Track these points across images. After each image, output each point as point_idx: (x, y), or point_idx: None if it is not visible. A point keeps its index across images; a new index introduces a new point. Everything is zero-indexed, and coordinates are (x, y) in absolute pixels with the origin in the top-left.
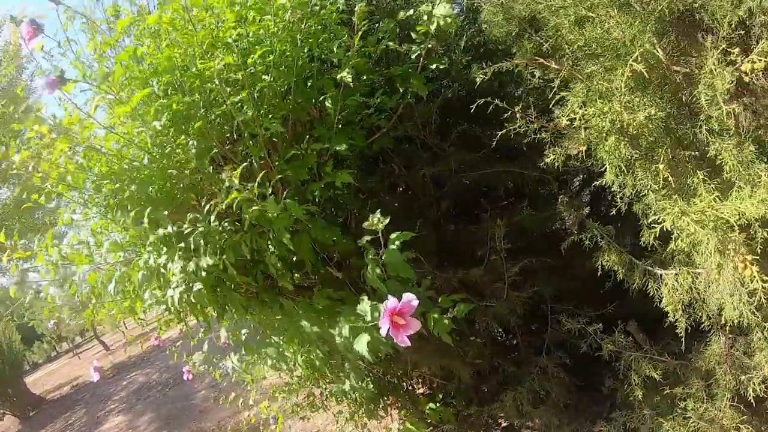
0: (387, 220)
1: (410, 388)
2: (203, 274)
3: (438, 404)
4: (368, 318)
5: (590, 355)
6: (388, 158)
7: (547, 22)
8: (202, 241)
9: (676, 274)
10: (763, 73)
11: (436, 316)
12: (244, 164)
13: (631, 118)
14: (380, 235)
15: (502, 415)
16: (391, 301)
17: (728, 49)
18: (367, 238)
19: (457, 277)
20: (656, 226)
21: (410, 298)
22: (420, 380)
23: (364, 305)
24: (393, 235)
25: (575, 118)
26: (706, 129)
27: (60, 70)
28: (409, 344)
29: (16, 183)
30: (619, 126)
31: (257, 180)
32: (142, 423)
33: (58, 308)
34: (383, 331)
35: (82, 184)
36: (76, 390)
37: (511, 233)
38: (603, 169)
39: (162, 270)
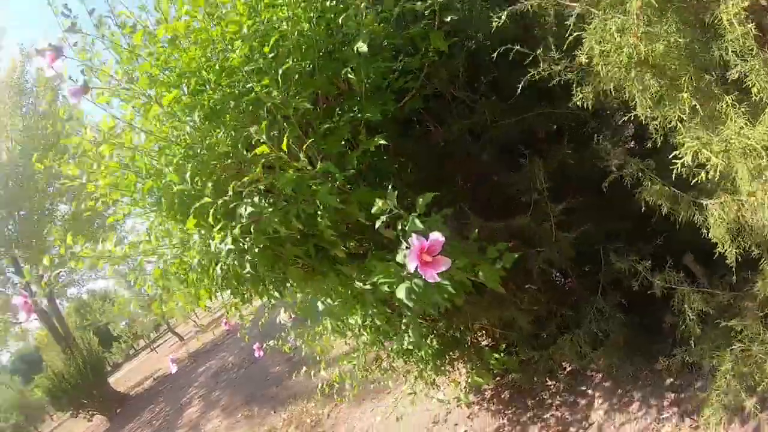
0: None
1: (474, 341)
2: (256, 249)
3: (501, 354)
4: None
5: (647, 293)
6: (422, 118)
7: None
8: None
9: (721, 203)
10: None
11: (486, 267)
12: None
13: (649, 49)
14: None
15: (566, 358)
16: (417, 240)
17: None
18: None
19: (503, 225)
20: (678, 160)
21: (437, 237)
22: (483, 332)
23: (401, 255)
24: (420, 201)
25: (594, 56)
26: (731, 50)
27: (84, 80)
28: (439, 280)
29: (73, 198)
30: (637, 59)
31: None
32: (222, 403)
33: (127, 306)
34: (411, 268)
35: (132, 186)
36: (158, 382)
37: (552, 176)
38: (634, 103)
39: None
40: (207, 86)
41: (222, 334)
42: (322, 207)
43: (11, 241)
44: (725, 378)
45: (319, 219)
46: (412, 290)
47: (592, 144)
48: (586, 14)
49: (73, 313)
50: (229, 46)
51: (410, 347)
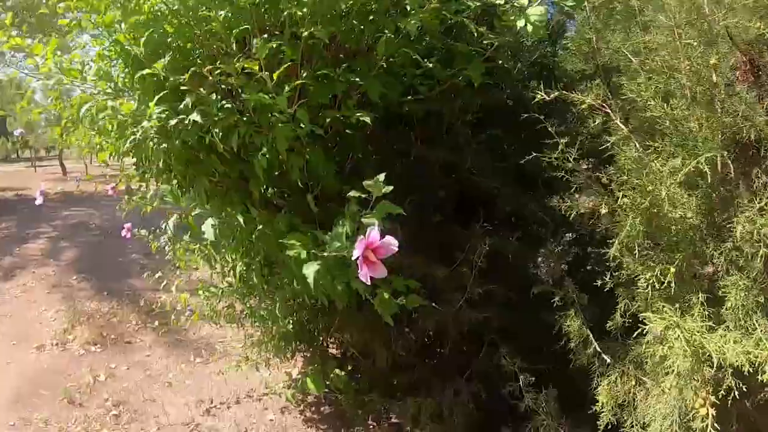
0: (389, 189)
1: (326, 344)
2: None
3: (344, 373)
4: (329, 247)
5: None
6: (411, 128)
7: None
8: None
9: (623, 370)
10: None
11: (386, 294)
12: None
13: (668, 210)
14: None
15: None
16: (374, 232)
17: None
18: (355, 194)
19: (421, 267)
20: (644, 326)
21: (391, 242)
22: (338, 342)
23: (339, 230)
24: (382, 203)
25: (614, 180)
26: (726, 259)
27: None
28: (369, 284)
29: None
30: (651, 210)
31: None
32: (64, 257)
33: (29, 113)
34: (354, 254)
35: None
36: (19, 200)
37: (490, 253)
38: (609, 241)
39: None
40: None
41: (103, 192)
42: (269, 142)
43: None
44: None
45: (259, 154)
46: (321, 274)
47: (542, 246)
48: (625, 141)
49: None
50: None
51: (266, 315)
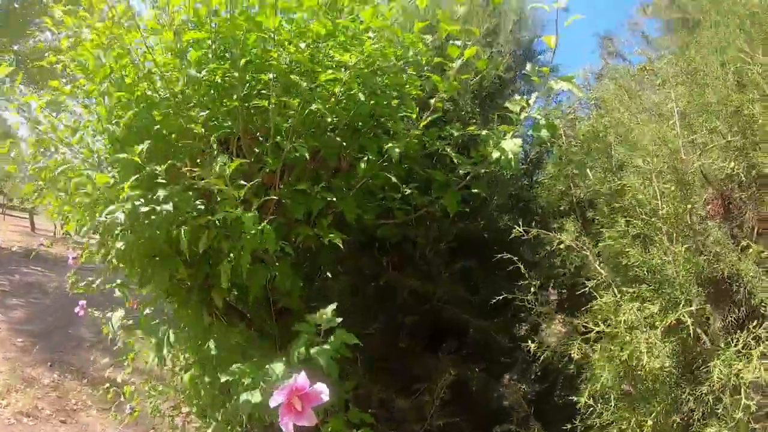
0: (337, 321)
1: None
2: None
3: None
4: (272, 379)
5: None
6: (385, 251)
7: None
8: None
9: None
10: None
11: (336, 426)
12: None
13: (647, 362)
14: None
15: None
16: (302, 379)
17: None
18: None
19: (381, 397)
20: None
21: (322, 390)
22: None
23: (278, 366)
24: (338, 332)
25: (592, 330)
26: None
27: None
28: None
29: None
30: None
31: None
32: (14, 315)
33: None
34: (272, 403)
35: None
36: None
37: (457, 383)
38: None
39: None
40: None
41: (64, 257)
42: (237, 250)
43: None
44: None
45: (225, 260)
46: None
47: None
48: (601, 286)
49: None
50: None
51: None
